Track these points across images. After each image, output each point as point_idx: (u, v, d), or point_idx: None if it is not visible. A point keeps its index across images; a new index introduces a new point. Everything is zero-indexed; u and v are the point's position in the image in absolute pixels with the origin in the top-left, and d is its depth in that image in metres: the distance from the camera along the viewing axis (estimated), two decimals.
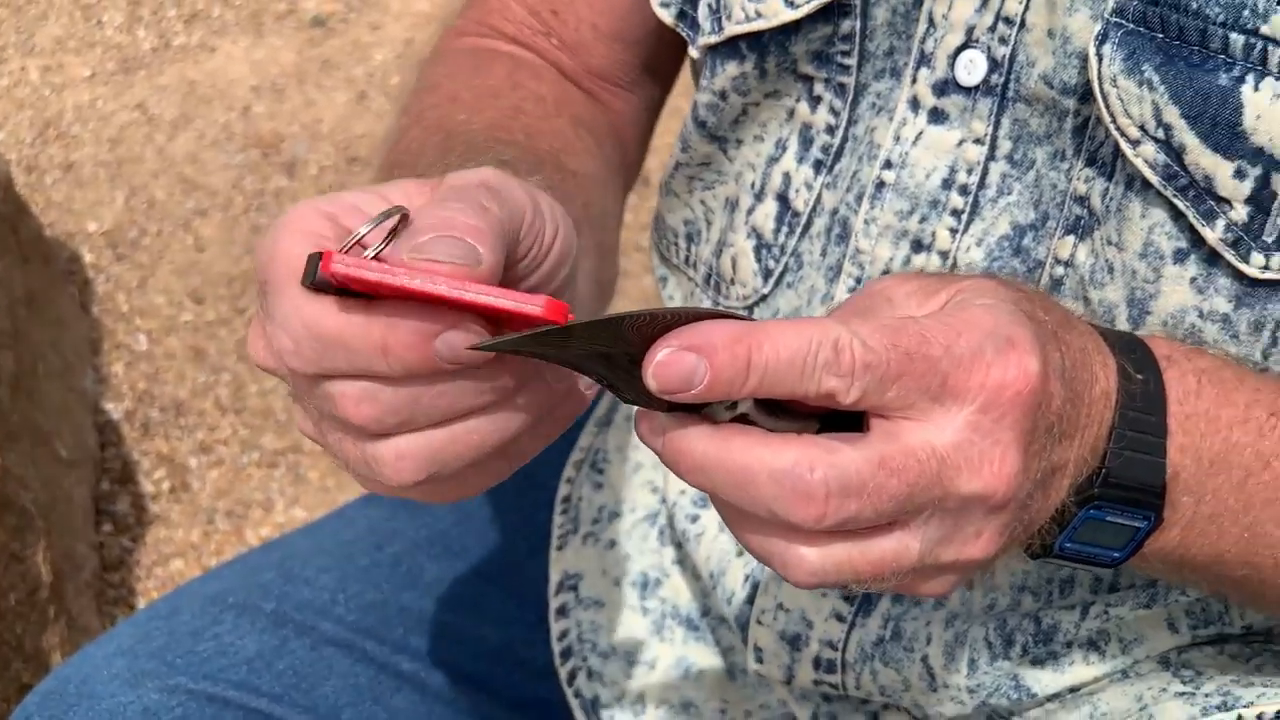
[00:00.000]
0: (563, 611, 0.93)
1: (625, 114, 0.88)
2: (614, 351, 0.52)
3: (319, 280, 0.52)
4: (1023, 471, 0.53)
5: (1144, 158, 0.63)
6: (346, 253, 0.53)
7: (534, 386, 0.56)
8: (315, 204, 0.56)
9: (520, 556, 0.96)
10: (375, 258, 0.53)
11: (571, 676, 0.92)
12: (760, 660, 0.81)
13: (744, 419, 0.53)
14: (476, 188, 0.56)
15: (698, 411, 0.53)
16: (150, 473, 1.49)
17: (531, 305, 0.52)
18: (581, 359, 0.53)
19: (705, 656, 0.91)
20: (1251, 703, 0.71)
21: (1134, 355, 0.58)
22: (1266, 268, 0.62)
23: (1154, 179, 0.63)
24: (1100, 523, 0.58)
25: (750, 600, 0.80)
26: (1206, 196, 0.62)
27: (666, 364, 0.51)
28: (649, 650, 0.91)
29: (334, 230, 0.55)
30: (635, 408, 0.55)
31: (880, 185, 0.70)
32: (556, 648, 0.93)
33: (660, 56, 0.88)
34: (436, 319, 0.53)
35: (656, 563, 0.93)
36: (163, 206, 1.75)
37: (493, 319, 0.54)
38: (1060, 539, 0.58)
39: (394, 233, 0.54)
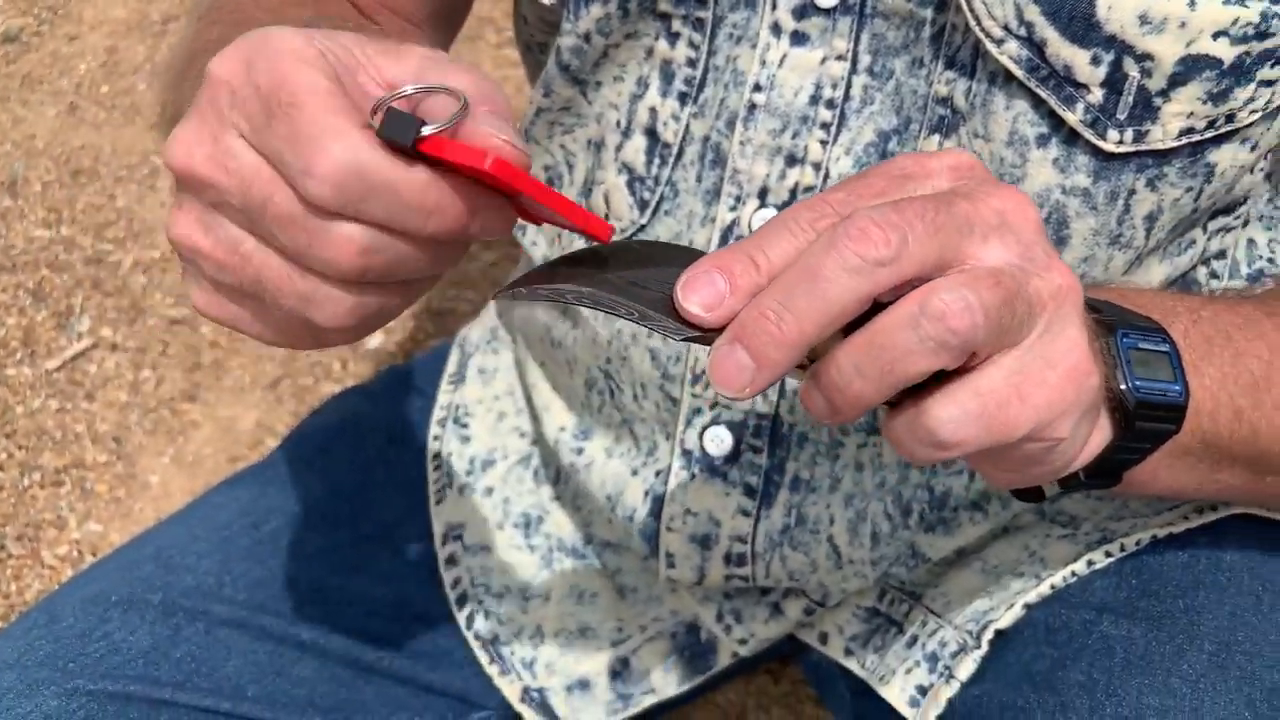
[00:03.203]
0: (452, 561, 0.96)
1: None
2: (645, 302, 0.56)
3: (408, 143, 0.53)
4: (1016, 190, 0.57)
5: (1008, 54, 0.70)
6: (387, 108, 0.53)
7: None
8: (301, 38, 0.55)
9: (399, 515, 0.98)
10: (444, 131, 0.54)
11: (470, 620, 0.95)
12: (672, 565, 0.85)
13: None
14: (470, 65, 0.58)
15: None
16: None
17: (600, 229, 0.56)
18: (600, 297, 0.56)
19: (595, 581, 0.95)
20: (1128, 533, 0.80)
21: None
22: (1121, 142, 0.71)
23: (1018, 73, 0.70)
24: (1139, 351, 0.61)
25: (654, 513, 0.85)
26: (1066, 84, 0.70)
27: (691, 287, 0.54)
28: (541, 583, 0.95)
29: (329, 66, 0.55)
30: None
31: (752, 108, 0.76)
32: (451, 595, 0.95)
33: None
34: (480, 195, 0.55)
35: (535, 502, 0.96)
36: None
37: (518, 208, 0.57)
38: (1129, 379, 0.60)
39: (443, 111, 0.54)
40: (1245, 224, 0.80)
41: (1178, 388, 0.62)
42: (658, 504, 0.85)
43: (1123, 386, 0.60)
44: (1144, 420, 0.61)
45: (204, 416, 1.56)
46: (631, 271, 0.58)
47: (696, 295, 0.54)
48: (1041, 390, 0.55)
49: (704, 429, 0.82)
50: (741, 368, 0.53)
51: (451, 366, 1.03)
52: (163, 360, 1.60)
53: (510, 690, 0.94)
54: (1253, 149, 0.72)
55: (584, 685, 0.94)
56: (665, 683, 0.94)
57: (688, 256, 0.58)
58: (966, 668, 0.79)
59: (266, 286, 0.56)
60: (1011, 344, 0.55)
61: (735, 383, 0.54)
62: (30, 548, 1.42)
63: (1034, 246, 0.55)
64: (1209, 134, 0.70)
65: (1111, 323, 0.61)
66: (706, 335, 0.55)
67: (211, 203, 0.56)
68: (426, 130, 0.53)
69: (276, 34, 0.55)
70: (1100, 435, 0.60)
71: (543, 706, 0.94)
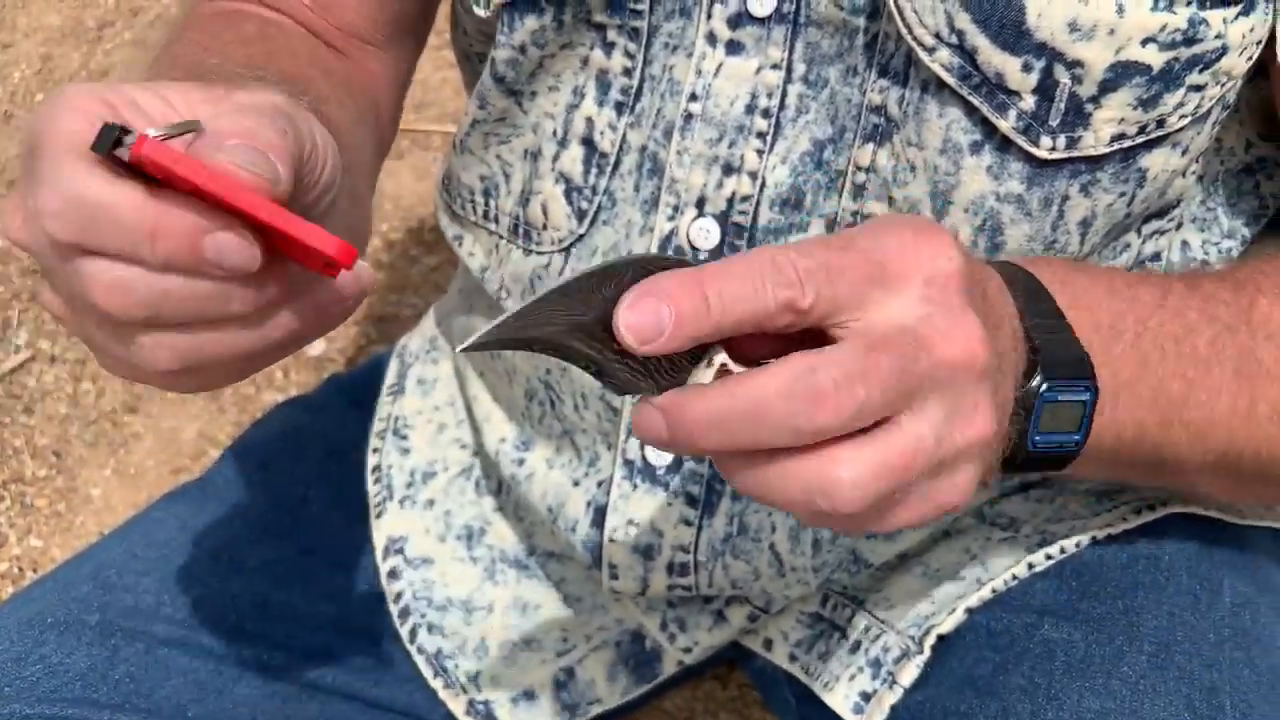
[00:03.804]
0: (394, 574, 0.95)
1: (379, 75, 0.90)
2: (588, 319, 0.55)
3: (114, 153, 0.53)
4: (987, 336, 0.56)
5: (940, 62, 0.70)
6: (128, 132, 0.53)
7: (300, 302, 0.58)
8: (93, 89, 0.56)
9: (338, 529, 0.97)
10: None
11: (412, 634, 0.94)
12: (615, 577, 0.85)
13: (725, 374, 0.56)
14: (273, 108, 0.57)
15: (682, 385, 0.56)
16: None
17: (327, 244, 0.53)
18: (563, 336, 0.55)
19: (539, 592, 0.94)
20: (1068, 534, 0.80)
21: (1000, 265, 0.65)
22: (1054, 149, 0.71)
23: (950, 80, 0.70)
24: (1055, 404, 0.62)
25: (597, 524, 0.85)
26: (998, 91, 0.70)
27: (634, 311, 0.53)
28: (484, 596, 0.94)
29: (112, 116, 0.55)
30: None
31: (689, 117, 0.75)
32: (393, 609, 0.95)
33: (414, 14, 0.90)
34: (213, 218, 0.54)
35: (478, 513, 0.96)
36: None
37: (268, 237, 0.55)
38: (1030, 434, 0.62)
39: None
40: (1179, 226, 0.80)
41: (1076, 438, 0.63)
42: (599, 515, 0.85)
43: (1021, 439, 0.62)
44: (1030, 467, 0.64)
45: (145, 428, 1.54)
46: (605, 306, 0.55)
47: (637, 319, 0.53)
48: (899, 520, 0.56)
49: None
50: (658, 435, 0.55)
51: (391, 377, 1.02)
52: (103, 372, 1.59)
53: (455, 704, 0.94)
54: (1184, 153, 0.72)
55: (529, 696, 0.94)
56: (611, 692, 0.94)
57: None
58: (909, 673, 0.79)
59: (92, 341, 0.57)
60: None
61: (648, 439, 0.55)
62: None
63: (966, 397, 0.56)
64: (1140, 139, 0.71)
65: (1039, 372, 0.62)
66: (645, 392, 0.55)
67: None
68: (130, 138, 0.53)
69: (70, 88, 0.56)
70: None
71: (488, 719, 0.94)
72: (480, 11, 0.79)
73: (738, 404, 0.53)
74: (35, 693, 0.85)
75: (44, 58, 1.96)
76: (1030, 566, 0.79)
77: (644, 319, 0.53)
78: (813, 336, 0.55)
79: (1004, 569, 0.80)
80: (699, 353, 0.56)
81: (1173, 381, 0.68)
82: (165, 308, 0.55)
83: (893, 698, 0.79)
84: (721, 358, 0.56)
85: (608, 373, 0.56)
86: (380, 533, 0.96)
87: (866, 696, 0.81)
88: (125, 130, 0.53)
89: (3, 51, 1.97)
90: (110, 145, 0.53)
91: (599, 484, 0.85)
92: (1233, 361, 0.70)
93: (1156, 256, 0.79)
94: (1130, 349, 0.67)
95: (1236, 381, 0.69)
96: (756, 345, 0.56)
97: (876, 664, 0.81)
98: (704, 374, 0.56)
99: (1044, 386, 0.61)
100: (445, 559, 0.95)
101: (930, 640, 0.79)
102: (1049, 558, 0.79)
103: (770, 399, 0.52)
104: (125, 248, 0.54)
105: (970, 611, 0.79)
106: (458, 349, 0.56)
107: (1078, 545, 0.79)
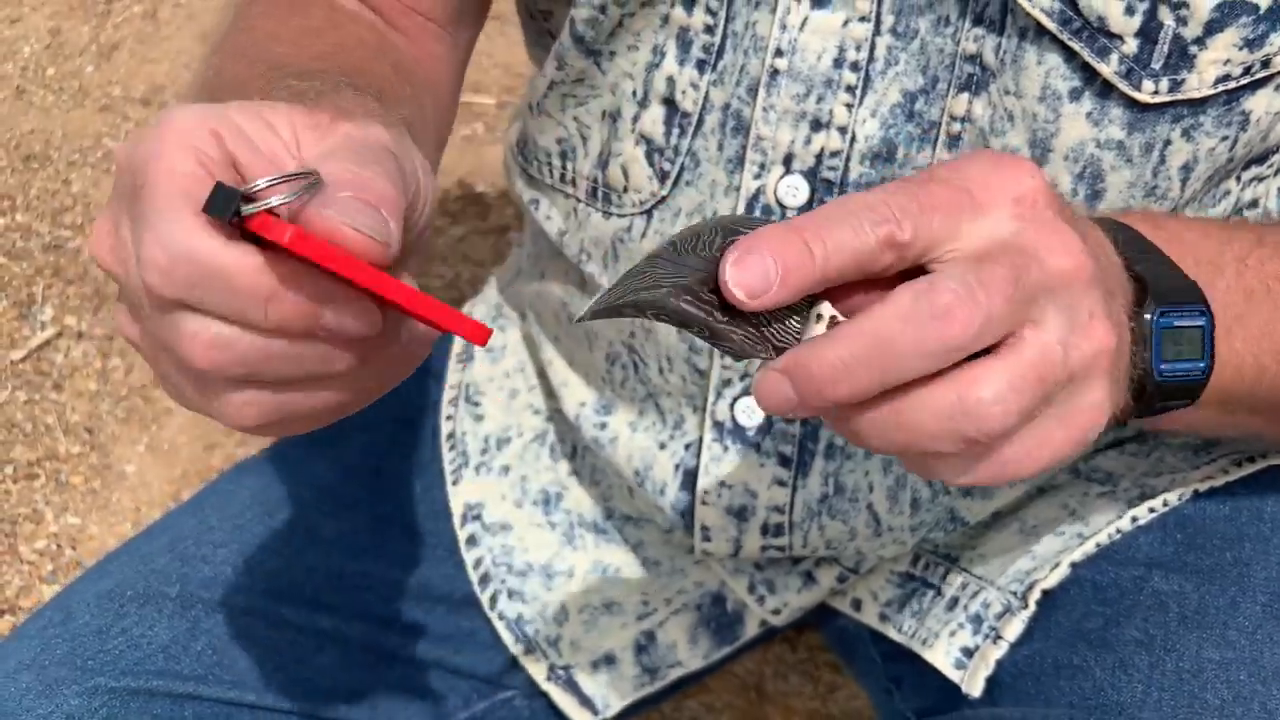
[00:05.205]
0: (472, 541, 0.95)
1: (442, 58, 0.88)
2: (689, 281, 0.54)
3: (227, 217, 0.50)
4: (1085, 246, 0.55)
5: (1040, 8, 0.69)
6: (248, 198, 0.51)
7: (386, 353, 0.56)
8: (200, 116, 0.53)
9: (413, 497, 0.96)
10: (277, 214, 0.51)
11: (493, 600, 0.94)
12: (708, 538, 0.85)
13: (836, 325, 0.55)
14: (383, 150, 0.55)
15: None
16: None
17: (464, 328, 0.51)
18: (671, 299, 0.54)
19: (618, 556, 0.94)
20: (1168, 488, 0.80)
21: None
22: (1156, 92, 0.70)
23: (1051, 26, 0.69)
24: (1172, 330, 0.61)
25: (687, 486, 0.84)
26: (1099, 35, 0.69)
27: (740, 268, 0.52)
28: (564, 561, 0.94)
29: (219, 153, 0.53)
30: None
31: (775, 73, 0.75)
32: (473, 576, 0.94)
33: None
34: (334, 288, 0.51)
35: (554, 478, 0.95)
36: None
37: (382, 302, 0.53)
38: (1155, 363, 0.60)
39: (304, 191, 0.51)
40: (1277, 172, 0.80)
41: (1202, 365, 0.62)
42: (690, 478, 0.84)
43: (1147, 368, 0.60)
44: (1161, 399, 0.61)
45: (177, 404, 1.53)
46: (706, 267, 0.55)
47: (744, 275, 0.52)
48: (1048, 449, 0.54)
49: (735, 400, 0.81)
50: (785, 399, 0.53)
51: (458, 345, 1.01)
52: (131, 347, 1.57)
53: (536, 669, 0.94)
54: None
55: (610, 661, 0.93)
56: (692, 655, 0.94)
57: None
58: (1014, 628, 0.79)
59: (170, 380, 0.55)
60: None
61: (775, 408, 0.53)
62: (8, 544, 1.39)
63: (1081, 306, 0.54)
64: (1245, 80, 0.70)
65: (1149, 299, 0.60)
66: (766, 361, 0.54)
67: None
68: (250, 208, 0.50)
69: (177, 112, 0.53)
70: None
71: (569, 684, 0.93)
72: None
73: (862, 343, 0.52)
74: (118, 666, 0.84)
75: (53, 31, 1.94)
76: (1134, 520, 0.79)
77: (751, 274, 0.52)
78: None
79: (1105, 523, 0.80)
80: (803, 313, 0.56)
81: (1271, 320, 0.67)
82: (265, 367, 0.53)
83: (997, 652, 0.79)
84: (829, 310, 0.55)
85: (720, 336, 0.55)
86: (457, 499, 0.96)
87: (968, 652, 0.81)
88: (244, 198, 0.51)
89: (10, 26, 1.95)
90: (225, 210, 0.50)
91: (686, 446, 0.84)
92: None
93: (1254, 203, 0.79)
94: (1234, 284, 0.66)
95: None
96: (851, 310, 0.55)
97: (978, 620, 0.81)
98: (816, 328, 0.55)
99: (1158, 312, 0.60)
100: (523, 524, 0.95)
101: (1035, 595, 0.79)
102: (1151, 510, 0.79)
103: (894, 329, 0.51)
104: (234, 311, 0.51)
105: (1074, 566, 0.79)
106: (575, 319, 0.54)
107: (1179, 498, 0.79)
